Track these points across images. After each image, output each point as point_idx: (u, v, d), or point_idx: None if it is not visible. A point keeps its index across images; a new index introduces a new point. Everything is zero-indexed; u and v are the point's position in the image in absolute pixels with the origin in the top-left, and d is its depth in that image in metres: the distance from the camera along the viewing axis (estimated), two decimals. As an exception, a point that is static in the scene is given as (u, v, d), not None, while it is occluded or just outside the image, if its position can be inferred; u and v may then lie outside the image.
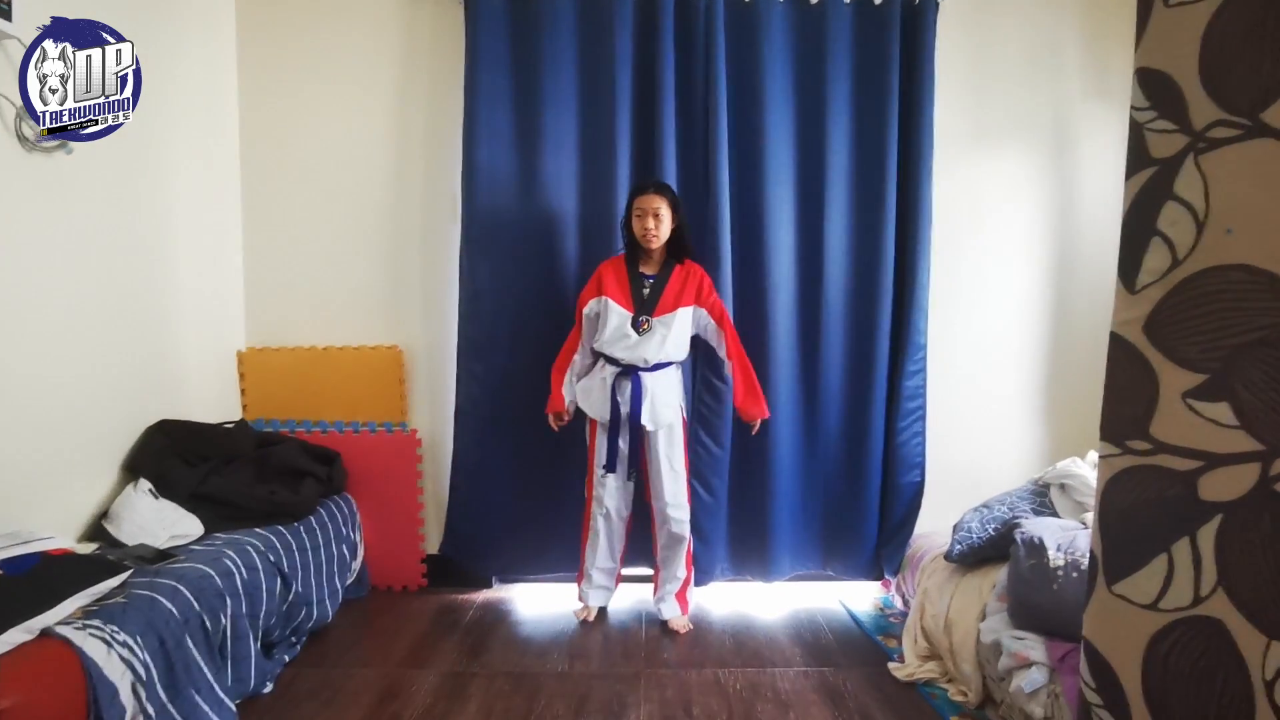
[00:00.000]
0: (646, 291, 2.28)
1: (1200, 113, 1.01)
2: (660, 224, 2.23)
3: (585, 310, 2.31)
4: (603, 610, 2.46)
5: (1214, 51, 0.99)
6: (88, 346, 1.96)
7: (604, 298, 2.27)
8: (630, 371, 2.26)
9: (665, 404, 2.28)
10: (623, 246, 2.36)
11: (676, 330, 2.27)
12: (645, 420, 2.24)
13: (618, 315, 2.26)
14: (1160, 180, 1.05)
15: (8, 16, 1.64)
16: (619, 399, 2.26)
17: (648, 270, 2.32)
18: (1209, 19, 0.99)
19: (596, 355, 2.34)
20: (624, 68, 2.47)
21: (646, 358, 2.24)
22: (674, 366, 2.33)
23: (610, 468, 2.30)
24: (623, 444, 2.29)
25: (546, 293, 2.54)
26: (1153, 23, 1.06)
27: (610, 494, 2.33)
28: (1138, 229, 1.07)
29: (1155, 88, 1.05)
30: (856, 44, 2.51)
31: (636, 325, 2.24)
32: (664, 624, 2.36)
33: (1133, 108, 1.08)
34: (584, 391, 2.34)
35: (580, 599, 2.43)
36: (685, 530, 2.33)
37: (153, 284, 2.22)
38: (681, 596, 2.39)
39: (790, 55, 2.51)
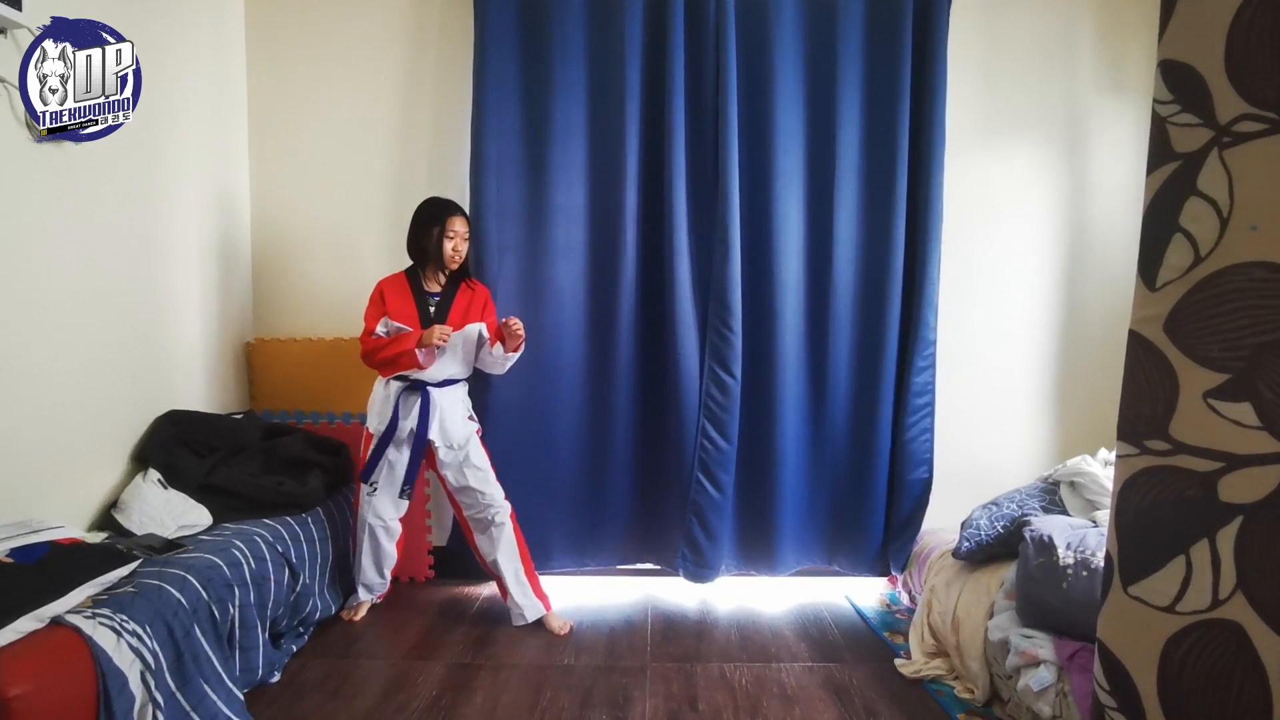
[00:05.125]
0: (433, 309, 2.24)
1: (1225, 106, 0.98)
2: (465, 245, 2.25)
3: (376, 330, 2.23)
4: (607, 605, 2.45)
5: (1240, 43, 0.97)
6: (98, 336, 1.96)
7: (387, 319, 2.21)
8: (419, 386, 2.22)
9: (454, 419, 2.24)
10: (412, 261, 2.28)
11: (465, 346, 2.24)
12: (434, 435, 2.20)
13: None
14: (1183, 175, 1.03)
15: (17, 6, 1.63)
16: (401, 415, 2.21)
17: (431, 288, 2.28)
18: (1235, 10, 0.97)
19: None
20: (633, 59, 2.45)
21: (435, 374, 2.21)
22: (461, 384, 2.30)
23: (366, 478, 2.24)
24: (401, 458, 2.22)
25: (554, 285, 2.53)
26: (1177, 14, 1.04)
27: (384, 507, 2.26)
28: (1159, 225, 1.05)
29: (1179, 80, 1.03)
30: (868, 35, 2.48)
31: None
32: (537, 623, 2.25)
33: (1155, 101, 1.06)
34: (370, 402, 2.29)
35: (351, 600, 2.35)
36: (506, 517, 2.26)
37: (162, 274, 2.22)
38: (539, 590, 2.29)
39: (801, 46, 2.49)
